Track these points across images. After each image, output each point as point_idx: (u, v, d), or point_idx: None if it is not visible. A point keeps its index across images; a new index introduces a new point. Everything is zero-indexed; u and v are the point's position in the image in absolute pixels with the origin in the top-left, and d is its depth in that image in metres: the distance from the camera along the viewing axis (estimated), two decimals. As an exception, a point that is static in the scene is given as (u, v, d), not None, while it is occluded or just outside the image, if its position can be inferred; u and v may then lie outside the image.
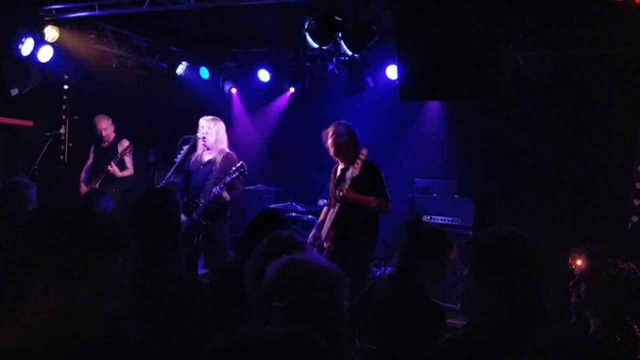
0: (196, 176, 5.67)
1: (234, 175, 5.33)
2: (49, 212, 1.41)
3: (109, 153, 7.03)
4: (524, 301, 1.91)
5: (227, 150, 5.71)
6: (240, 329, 1.10)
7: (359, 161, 4.60)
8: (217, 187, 5.33)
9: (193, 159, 5.77)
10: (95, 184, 6.80)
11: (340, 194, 4.58)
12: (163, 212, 3.21)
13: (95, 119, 7.13)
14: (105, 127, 7.11)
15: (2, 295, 1.30)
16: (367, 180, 4.62)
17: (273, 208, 6.71)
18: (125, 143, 7.10)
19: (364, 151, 4.67)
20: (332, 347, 1.14)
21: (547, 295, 1.96)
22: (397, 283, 3.08)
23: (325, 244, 4.70)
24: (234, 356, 1.06)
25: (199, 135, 5.66)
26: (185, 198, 5.71)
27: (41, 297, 1.28)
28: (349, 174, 4.63)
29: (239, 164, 5.38)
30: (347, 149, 4.85)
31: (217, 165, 5.57)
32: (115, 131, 7.22)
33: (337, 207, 4.63)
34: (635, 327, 2.54)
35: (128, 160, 7.04)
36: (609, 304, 2.54)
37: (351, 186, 4.57)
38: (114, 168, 6.83)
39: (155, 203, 3.46)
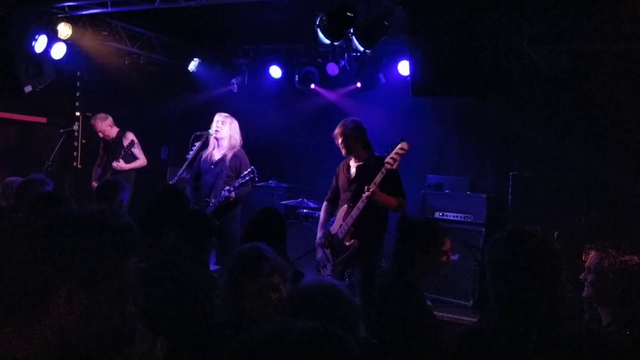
0: (207, 175, 5.75)
1: (243, 180, 5.39)
2: (68, 216, 1.39)
3: (114, 148, 6.97)
4: (538, 299, 1.91)
5: (238, 148, 5.76)
6: (266, 323, 1.10)
7: (395, 156, 4.54)
8: (226, 191, 5.40)
9: (204, 157, 5.85)
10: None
11: (368, 192, 4.50)
12: (199, 215, 3.30)
13: (91, 120, 7.08)
14: (101, 129, 7.03)
15: (25, 302, 1.28)
16: (385, 179, 4.58)
17: (271, 206, 6.72)
18: (129, 136, 6.99)
19: (405, 145, 4.58)
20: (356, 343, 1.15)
21: (563, 295, 1.95)
22: (391, 279, 3.13)
23: (347, 242, 4.68)
24: (260, 348, 1.07)
25: (211, 131, 5.73)
26: (196, 195, 5.79)
27: (65, 303, 1.27)
28: (382, 169, 4.55)
29: (249, 170, 5.42)
30: (356, 146, 4.86)
31: (227, 163, 5.65)
32: (117, 126, 7.12)
33: (360, 204, 4.57)
34: None
35: (137, 151, 6.96)
36: (614, 296, 2.62)
37: (377, 184, 4.53)
38: (119, 164, 6.76)
39: (184, 205, 3.55)
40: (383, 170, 4.54)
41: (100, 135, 7.07)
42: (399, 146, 4.58)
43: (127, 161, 6.89)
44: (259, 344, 1.07)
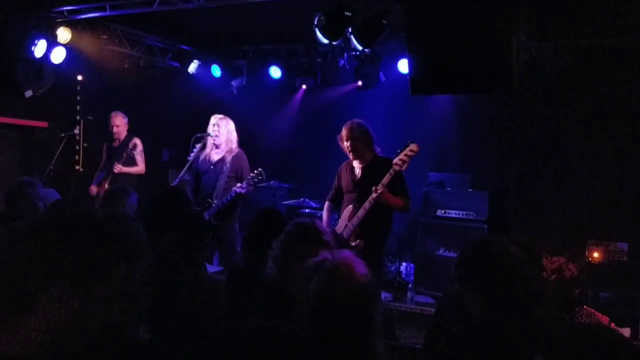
0: (207, 176, 5.76)
1: (252, 182, 5.39)
2: (62, 216, 1.39)
3: (119, 152, 6.88)
4: (504, 305, 1.97)
5: (237, 149, 5.78)
6: (221, 324, 1.16)
7: (405, 157, 4.55)
8: (238, 187, 5.38)
9: (202, 157, 5.87)
10: (105, 184, 6.69)
11: (376, 193, 4.50)
12: (194, 217, 3.29)
13: (112, 114, 6.97)
14: (119, 124, 6.92)
15: (14, 300, 1.28)
16: (391, 179, 4.58)
17: (273, 207, 6.72)
18: (135, 141, 6.96)
19: (414, 147, 4.58)
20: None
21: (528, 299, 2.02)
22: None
23: (353, 243, 4.67)
24: (211, 349, 1.14)
25: (210, 132, 5.74)
26: (196, 196, 5.80)
27: (55, 302, 1.27)
28: (390, 171, 4.56)
29: (258, 171, 5.42)
30: (364, 149, 4.86)
31: (228, 165, 5.66)
32: (128, 131, 7.05)
33: (367, 205, 4.57)
34: None
35: (138, 157, 6.88)
36: None
37: (385, 185, 4.53)
38: (119, 167, 6.70)
39: (185, 207, 3.53)
40: (391, 171, 4.54)
41: (114, 130, 6.92)
42: (408, 148, 4.58)
43: (126, 164, 6.81)
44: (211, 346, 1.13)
